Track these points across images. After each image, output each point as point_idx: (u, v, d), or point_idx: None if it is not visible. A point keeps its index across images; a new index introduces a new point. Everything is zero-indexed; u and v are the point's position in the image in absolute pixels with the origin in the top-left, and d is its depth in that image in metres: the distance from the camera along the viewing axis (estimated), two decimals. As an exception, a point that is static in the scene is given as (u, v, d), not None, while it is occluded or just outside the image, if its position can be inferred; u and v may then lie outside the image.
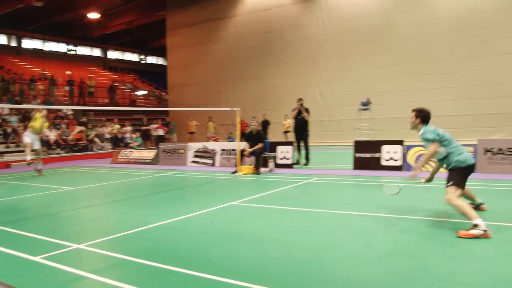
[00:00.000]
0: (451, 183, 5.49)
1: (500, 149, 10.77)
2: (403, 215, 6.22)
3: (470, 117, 21.17)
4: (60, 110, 24.84)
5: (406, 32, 22.92)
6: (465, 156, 5.60)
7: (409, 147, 12.03)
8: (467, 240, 4.80)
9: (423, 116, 6.14)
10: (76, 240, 5.31)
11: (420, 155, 11.70)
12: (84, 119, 24.52)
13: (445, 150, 5.74)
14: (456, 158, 5.60)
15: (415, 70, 22.60)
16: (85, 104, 28.41)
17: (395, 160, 12.07)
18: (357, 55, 24.37)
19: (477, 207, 6.18)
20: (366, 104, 19.27)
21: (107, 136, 24.28)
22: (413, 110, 6.25)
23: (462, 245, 4.67)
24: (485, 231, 4.86)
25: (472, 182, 9.41)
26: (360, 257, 4.38)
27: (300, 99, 14.08)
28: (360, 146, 12.85)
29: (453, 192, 5.38)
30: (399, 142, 12.26)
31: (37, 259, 4.60)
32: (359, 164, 12.50)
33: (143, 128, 26.35)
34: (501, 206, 6.73)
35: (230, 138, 24.37)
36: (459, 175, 5.54)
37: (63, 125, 22.40)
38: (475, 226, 4.92)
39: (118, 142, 23.33)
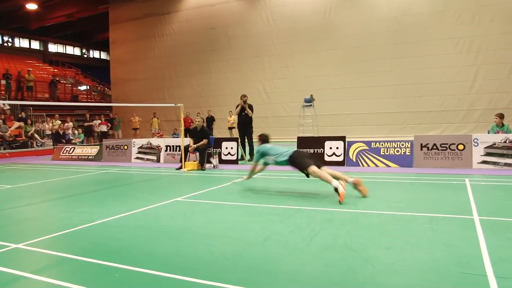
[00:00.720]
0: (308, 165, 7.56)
1: (434, 145, 11.36)
2: (344, 209, 6.46)
3: (406, 114, 22.12)
4: (-4, 104, 23.87)
5: (346, 31, 23.60)
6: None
7: (351, 143, 12.45)
8: (402, 231, 5.08)
9: (263, 138, 8.97)
10: (15, 240, 5.18)
11: (360, 151, 12.15)
12: (22, 114, 23.68)
13: (272, 159, 8.32)
14: (282, 158, 8.16)
15: (355, 68, 23.33)
16: (23, 99, 27.39)
17: (338, 156, 12.44)
18: (300, 52, 24.82)
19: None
20: (309, 100, 19.63)
21: (48, 132, 23.57)
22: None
23: (398, 235, 4.94)
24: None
25: (408, 176, 9.91)
26: (302, 250, 4.53)
27: (244, 96, 14.22)
28: (303, 142, 13.16)
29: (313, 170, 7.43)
30: (342, 138, 12.64)
31: (-27, 259, 4.47)
32: (303, 159, 12.78)
33: (86, 124, 25.73)
34: (433, 198, 7.11)
35: (175, 134, 24.24)
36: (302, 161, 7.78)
37: (0, 121, 21.55)
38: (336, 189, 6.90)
39: (59, 138, 22.68)
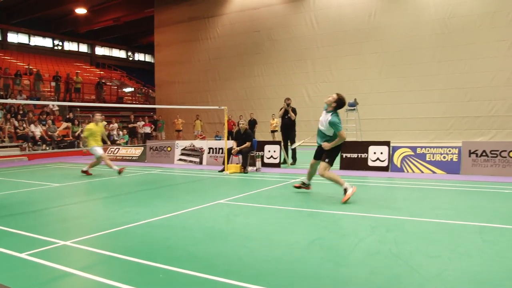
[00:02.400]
0: (327, 160, 7.75)
1: (484, 151, 10.94)
2: (390, 215, 6.29)
3: (454, 119, 21.46)
4: (46, 105, 24.63)
5: (392, 34, 23.14)
6: None
7: (396, 148, 12.17)
8: (450, 239, 4.88)
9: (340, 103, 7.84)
10: (63, 237, 5.30)
11: (405, 156, 11.85)
12: (70, 115, 24.33)
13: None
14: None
15: (400, 71, 22.83)
16: (71, 100, 28.19)
17: (382, 161, 12.18)
18: (344, 56, 24.51)
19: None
20: (353, 104, 19.38)
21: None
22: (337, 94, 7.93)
23: (446, 244, 4.74)
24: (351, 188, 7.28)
25: (455, 183, 9.57)
26: (347, 256, 4.43)
27: (287, 99, 14.13)
28: (347, 146, 12.94)
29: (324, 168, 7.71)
30: (386, 143, 12.39)
31: (23, 255, 4.57)
32: (346, 164, 12.60)
33: (130, 125, 26.22)
34: (484, 207, 6.83)
35: (218, 137, 24.37)
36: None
37: (49, 121, 22.20)
38: (346, 190, 7.25)
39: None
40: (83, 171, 12.66)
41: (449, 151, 11.44)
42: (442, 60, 21.69)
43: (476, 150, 11.04)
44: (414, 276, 3.84)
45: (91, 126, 12.95)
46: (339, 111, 7.90)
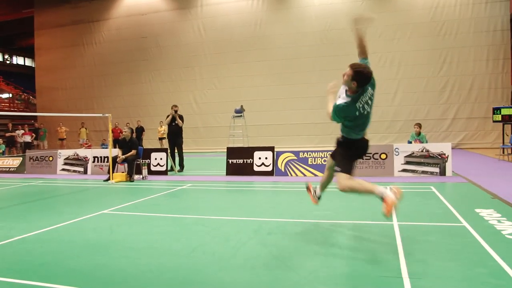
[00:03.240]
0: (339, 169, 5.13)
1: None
2: (273, 218, 6.59)
3: (335, 125, 22.69)
4: None
5: (276, 43, 24.17)
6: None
7: (279, 153, 12.70)
8: (327, 239, 5.29)
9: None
10: None
11: (289, 161, 12.45)
12: None
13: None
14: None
15: (284, 79, 23.91)
16: None
17: (266, 166, 12.66)
18: (231, 63, 25.08)
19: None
20: (239, 111, 19.85)
21: (-35, 142, 22.36)
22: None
23: (323, 243, 5.14)
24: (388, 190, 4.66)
25: (336, 185, 10.22)
26: (229, 260, 4.58)
27: (175, 106, 14.21)
28: (233, 152, 13.28)
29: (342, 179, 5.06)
30: (271, 149, 12.87)
31: None
32: (232, 170, 12.90)
33: (8, 134, 24.60)
34: (355, 206, 7.40)
35: (104, 145, 23.69)
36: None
37: None
38: (383, 197, 4.65)
39: (-23, 149, 21.57)
40: None
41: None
42: (322, 69, 23.04)
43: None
44: (291, 275, 4.08)
45: None
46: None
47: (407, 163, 11.52)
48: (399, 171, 11.52)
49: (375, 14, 22.13)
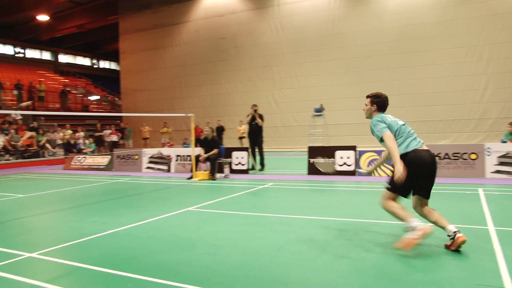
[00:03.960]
0: (388, 186, 4.82)
1: (447, 154, 11.25)
2: (357, 218, 6.41)
3: (416, 124, 21.86)
4: (8, 114, 24.05)
5: (353, 40, 23.65)
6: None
7: (362, 153, 12.38)
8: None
9: (379, 102, 5.07)
10: (28, 249, 5.19)
11: (372, 160, 12.07)
12: (34, 124, 23.83)
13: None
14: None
15: (362, 77, 23.32)
16: (34, 109, 27.63)
17: (348, 165, 12.37)
18: (309, 62, 24.84)
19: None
20: (319, 110, 19.60)
21: (59, 142, 23.71)
22: (368, 96, 5.17)
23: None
24: (418, 226, 4.41)
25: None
26: (315, 260, 4.49)
27: (255, 105, 14.24)
28: (314, 151, 13.10)
29: (387, 197, 4.84)
30: (352, 148, 12.58)
31: (-14, 269, 4.48)
32: (313, 169, 12.74)
33: (97, 134, 25.86)
34: (446, 208, 7.01)
35: (186, 144, 24.26)
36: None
37: (12, 131, 21.71)
38: (411, 229, 4.42)
39: (70, 148, 22.80)
40: None
41: (413, 154, 11.68)
42: (401, 66, 22.30)
43: (439, 153, 11.33)
44: (382, 280, 3.93)
45: None
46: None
47: (501, 164, 10.78)
48: (491, 172, 10.82)
49: (460, 6, 21.11)
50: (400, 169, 4.42)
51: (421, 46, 21.81)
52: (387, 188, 4.81)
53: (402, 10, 22.41)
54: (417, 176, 4.67)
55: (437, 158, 11.28)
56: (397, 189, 4.70)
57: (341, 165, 12.46)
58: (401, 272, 4.07)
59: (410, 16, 22.20)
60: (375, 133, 4.82)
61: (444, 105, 21.43)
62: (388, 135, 4.65)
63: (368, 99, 5.11)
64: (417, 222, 4.46)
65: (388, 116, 4.96)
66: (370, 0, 23.44)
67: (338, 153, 12.61)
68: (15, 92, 28.38)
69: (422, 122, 21.80)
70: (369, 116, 5.13)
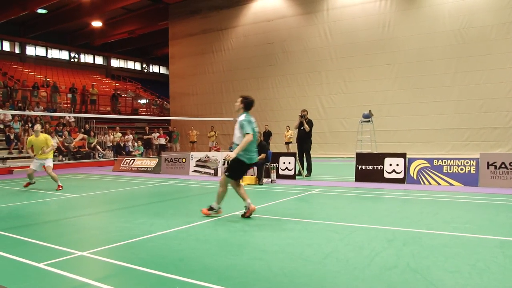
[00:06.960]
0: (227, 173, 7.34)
1: (503, 163, 10.77)
2: (406, 228, 6.22)
3: (470, 131, 21.26)
4: (62, 117, 24.92)
5: (405, 45, 23.09)
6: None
7: (412, 160, 12.05)
8: (469, 254, 4.81)
9: (247, 103, 7.17)
10: (79, 248, 5.32)
11: (422, 168, 11.74)
12: (86, 126, 24.57)
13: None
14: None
15: (414, 83, 22.76)
16: (87, 112, 28.49)
17: (398, 173, 12.07)
18: (358, 67, 24.48)
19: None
20: (367, 116, 19.29)
21: (109, 144, 24.33)
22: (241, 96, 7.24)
23: (465, 258, 4.67)
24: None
25: (473, 196, 9.43)
26: (364, 270, 4.38)
27: (303, 111, 14.12)
28: (362, 158, 12.88)
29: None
30: (402, 155, 12.28)
31: (41, 265, 4.60)
32: (361, 176, 12.51)
33: (145, 137, 26.38)
34: (503, 221, 6.71)
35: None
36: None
37: (66, 132, 22.45)
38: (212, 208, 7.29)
39: (120, 150, 23.36)
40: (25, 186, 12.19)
41: (467, 163, 11.29)
42: (457, 71, 21.60)
43: (495, 162, 10.86)
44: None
45: (31, 138, 12.14)
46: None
47: None
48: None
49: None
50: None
51: (478, 50, 21.03)
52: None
53: (456, 13, 21.69)
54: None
55: (492, 167, 10.89)
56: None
57: (389, 172, 12.18)
58: (452, 285, 3.90)
59: (466, 19, 21.44)
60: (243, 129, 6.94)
61: (501, 112, 20.56)
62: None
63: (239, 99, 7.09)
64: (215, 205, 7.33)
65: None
66: (422, 4, 22.86)
67: (387, 160, 12.33)
68: (69, 95, 29.38)
69: (477, 129, 21.08)
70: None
